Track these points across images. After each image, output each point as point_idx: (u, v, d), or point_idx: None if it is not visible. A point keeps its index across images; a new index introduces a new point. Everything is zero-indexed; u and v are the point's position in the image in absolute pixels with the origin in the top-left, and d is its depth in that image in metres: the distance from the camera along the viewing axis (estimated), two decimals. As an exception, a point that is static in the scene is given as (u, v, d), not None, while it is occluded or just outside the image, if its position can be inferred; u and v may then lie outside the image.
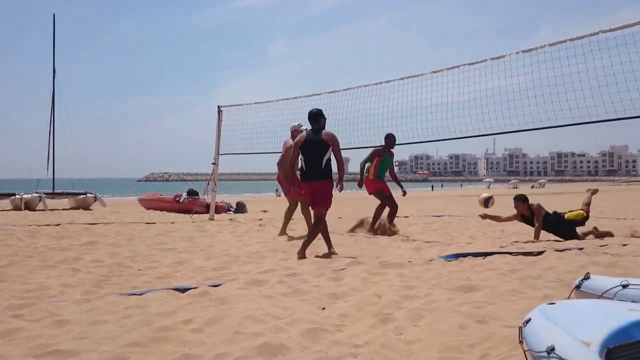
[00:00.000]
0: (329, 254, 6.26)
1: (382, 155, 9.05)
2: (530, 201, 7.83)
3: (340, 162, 6.45)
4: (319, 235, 6.45)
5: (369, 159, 9.09)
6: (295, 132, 8.11)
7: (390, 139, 9.11)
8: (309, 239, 6.37)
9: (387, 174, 9.29)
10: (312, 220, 6.62)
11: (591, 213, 7.72)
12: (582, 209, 7.60)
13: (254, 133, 12.23)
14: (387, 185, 9.16)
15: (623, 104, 6.46)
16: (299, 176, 6.72)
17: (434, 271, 5.02)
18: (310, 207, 6.81)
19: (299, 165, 6.56)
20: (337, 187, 6.44)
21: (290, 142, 8.00)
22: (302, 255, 6.14)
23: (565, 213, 7.64)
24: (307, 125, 7.03)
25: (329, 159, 6.30)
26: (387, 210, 8.96)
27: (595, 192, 8.27)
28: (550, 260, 5.41)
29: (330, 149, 6.26)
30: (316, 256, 6.19)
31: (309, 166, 6.33)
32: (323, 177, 6.30)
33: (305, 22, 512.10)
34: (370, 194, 9.19)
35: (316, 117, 6.42)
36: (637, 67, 6.17)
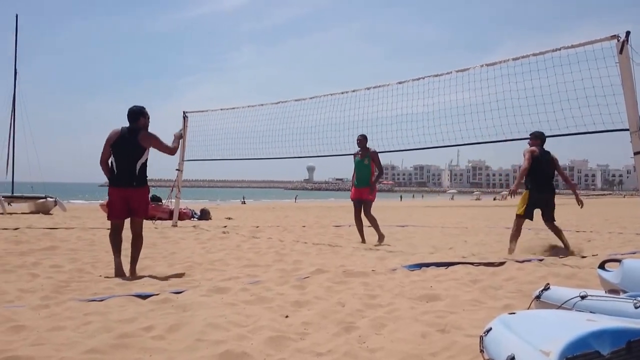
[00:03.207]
0: (134, 275, 5.49)
1: (354, 159, 8.90)
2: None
3: (170, 147, 5.81)
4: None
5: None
6: None
7: (357, 140, 8.81)
8: (135, 256, 5.63)
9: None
10: (132, 235, 5.71)
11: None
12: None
13: (220, 140, 12.19)
14: (355, 192, 8.85)
15: (583, 119, 6.68)
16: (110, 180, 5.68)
17: (397, 280, 5.05)
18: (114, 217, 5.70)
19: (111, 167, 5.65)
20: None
21: None
22: (133, 272, 5.52)
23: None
24: None
25: (144, 164, 5.62)
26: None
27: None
28: (511, 271, 5.52)
29: (147, 152, 5.60)
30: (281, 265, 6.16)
31: (121, 170, 5.55)
32: (139, 184, 5.59)
33: (270, 30, 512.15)
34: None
35: (133, 115, 5.63)
36: (597, 83, 6.38)
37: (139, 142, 5.56)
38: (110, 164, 5.62)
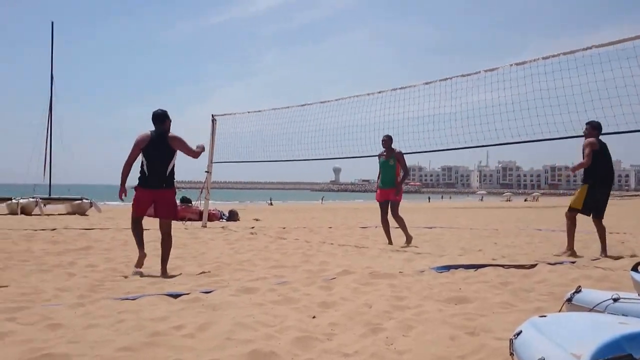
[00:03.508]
0: (165, 274, 5.61)
1: (379, 159, 8.86)
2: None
3: (195, 150, 5.96)
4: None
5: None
6: None
7: (382, 141, 8.77)
8: (165, 256, 5.75)
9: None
10: (161, 237, 5.83)
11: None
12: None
13: (247, 142, 12.33)
14: (381, 193, 8.80)
15: (616, 119, 6.56)
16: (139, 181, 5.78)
17: (425, 282, 5.03)
18: (137, 217, 5.87)
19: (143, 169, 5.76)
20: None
21: None
22: (164, 271, 5.66)
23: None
24: None
25: (174, 166, 5.80)
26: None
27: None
28: (543, 274, 5.45)
29: (176, 154, 5.81)
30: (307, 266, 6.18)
31: (152, 172, 5.71)
32: (168, 186, 5.78)
33: (293, 33, 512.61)
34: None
35: (160, 118, 5.80)
36: (629, 82, 6.26)
37: (170, 145, 5.74)
38: (141, 166, 5.75)
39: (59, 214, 17.56)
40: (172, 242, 5.91)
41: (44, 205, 17.79)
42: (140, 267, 5.71)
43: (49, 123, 21.86)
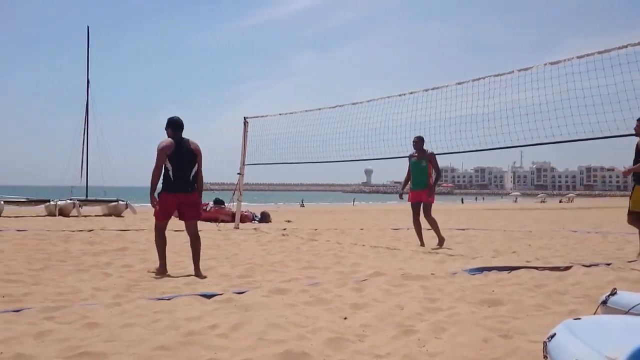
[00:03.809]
0: (199, 275, 5.67)
1: (409, 160, 8.81)
2: None
3: (202, 176, 6.03)
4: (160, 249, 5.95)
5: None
6: None
7: (413, 142, 8.75)
8: (197, 257, 5.88)
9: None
10: (191, 238, 6.01)
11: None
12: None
13: (278, 144, 12.39)
14: (413, 194, 8.73)
15: (653, 119, 6.36)
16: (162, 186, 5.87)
17: (458, 284, 4.99)
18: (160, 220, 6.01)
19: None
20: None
21: None
22: (197, 272, 5.73)
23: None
24: None
25: (197, 170, 5.91)
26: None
27: None
28: (577, 276, 5.36)
29: (197, 159, 5.91)
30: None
31: (178, 177, 5.78)
32: (193, 189, 5.92)
33: (325, 36, 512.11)
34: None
35: (181, 125, 5.90)
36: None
37: (193, 151, 5.88)
38: (165, 172, 5.79)
39: (95, 216, 18.00)
40: (203, 242, 6.00)
41: (81, 206, 18.25)
42: (153, 272, 5.78)
43: (85, 126, 22.39)
